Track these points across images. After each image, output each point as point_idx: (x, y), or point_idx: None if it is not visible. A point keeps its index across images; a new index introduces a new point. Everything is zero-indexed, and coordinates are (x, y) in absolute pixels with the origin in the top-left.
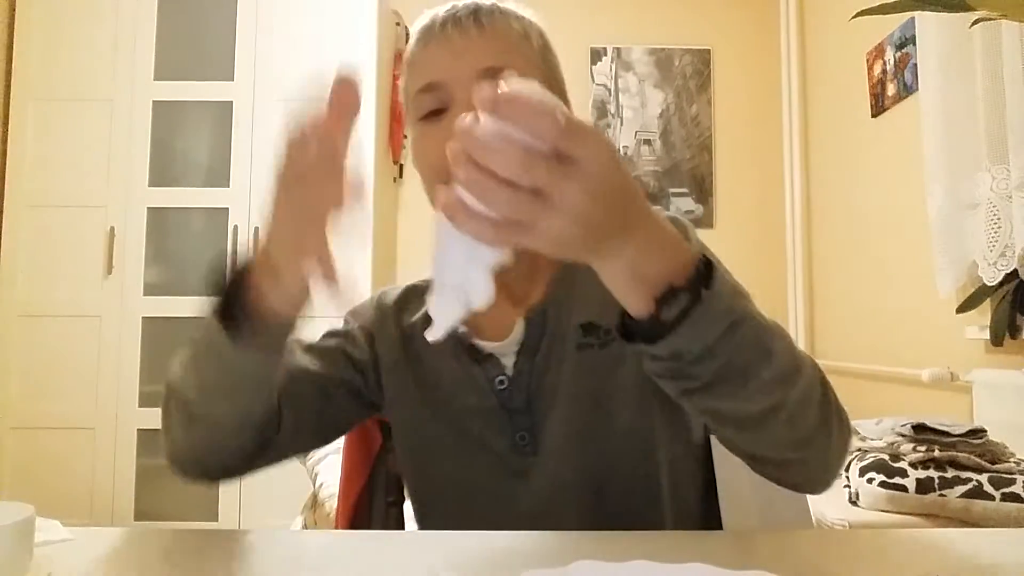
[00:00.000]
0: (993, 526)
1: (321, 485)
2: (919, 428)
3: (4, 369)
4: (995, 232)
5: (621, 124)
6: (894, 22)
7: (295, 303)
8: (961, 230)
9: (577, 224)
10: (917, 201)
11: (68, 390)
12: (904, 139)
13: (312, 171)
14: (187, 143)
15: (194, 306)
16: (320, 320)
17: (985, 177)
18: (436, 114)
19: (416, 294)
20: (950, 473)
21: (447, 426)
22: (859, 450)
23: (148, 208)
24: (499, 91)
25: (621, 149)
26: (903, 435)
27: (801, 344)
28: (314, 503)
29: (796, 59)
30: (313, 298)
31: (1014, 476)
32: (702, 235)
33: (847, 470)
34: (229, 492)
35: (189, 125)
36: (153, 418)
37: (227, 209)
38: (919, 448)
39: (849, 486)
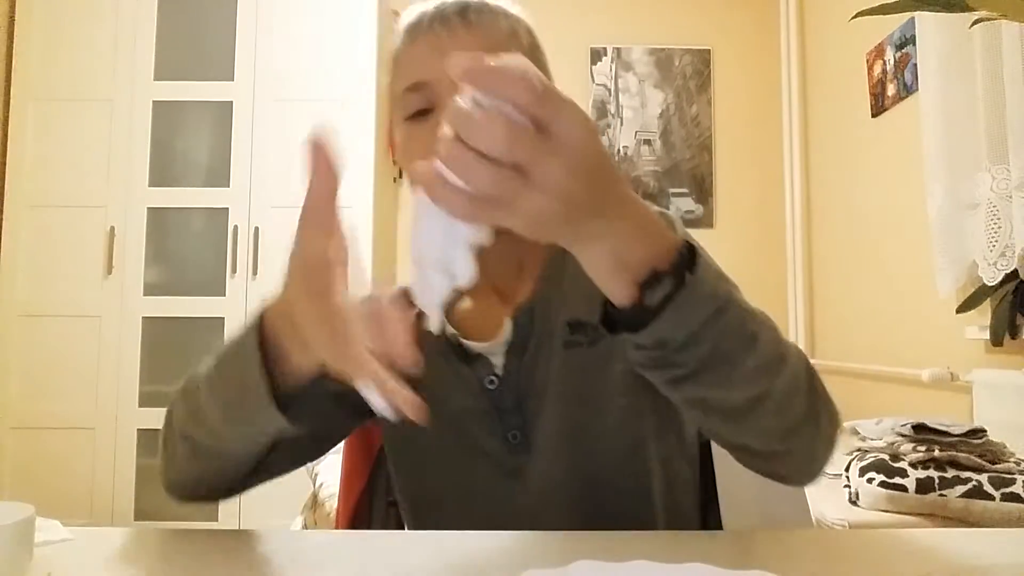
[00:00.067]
0: (993, 526)
1: (321, 485)
2: (919, 428)
3: (4, 369)
4: (995, 232)
5: (621, 124)
6: (894, 22)
7: (313, 356)
8: (961, 230)
9: (557, 201)
10: (917, 201)
11: (68, 390)
12: (904, 139)
13: (312, 235)
14: (187, 143)
15: (195, 308)
16: None
17: (985, 177)
18: (423, 113)
19: (407, 296)
20: (950, 473)
21: (438, 427)
22: (859, 450)
23: (148, 208)
24: (474, 61)
25: (621, 149)
26: (903, 435)
27: (801, 344)
28: (314, 503)
29: (796, 59)
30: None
31: (1014, 476)
32: (702, 235)
33: (847, 470)
34: None
35: (189, 125)
36: (153, 418)
37: (227, 209)
38: (919, 448)
39: (849, 486)
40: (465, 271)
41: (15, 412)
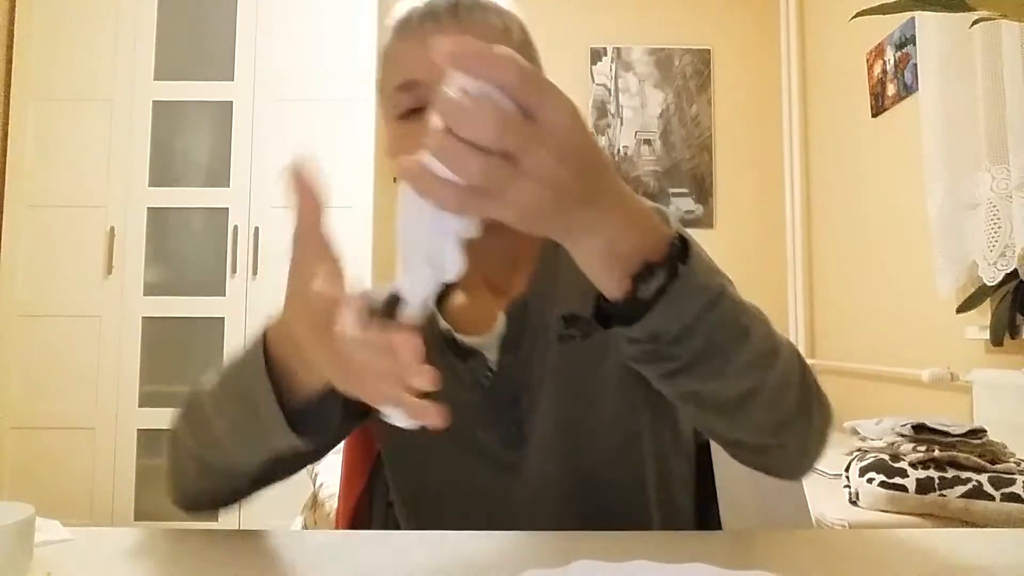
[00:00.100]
0: (993, 526)
1: (321, 485)
2: (919, 428)
3: (4, 369)
4: (995, 232)
5: (621, 124)
6: (894, 22)
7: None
8: (961, 230)
9: (548, 189)
10: (917, 201)
11: (68, 390)
12: (904, 139)
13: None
14: (187, 143)
15: (195, 308)
16: None
17: (985, 177)
18: (414, 112)
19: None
20: (950, 473)
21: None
22: (859, 450)
23: (148, 208)
24: (458, 45)
25: (621, 149)
26: (903, 435)
27: (801, 344)
28: (314, 503)
29: (796, 59)
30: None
31: (1014, 476)
32: (702, 235)
33: (847, 470)
34: None
35: (189, 125)
36: (153, 418)
37: (227, 209)
38: (919, 448)
39: (849, 486)
40: (453, 264)
41: (15, 412)
